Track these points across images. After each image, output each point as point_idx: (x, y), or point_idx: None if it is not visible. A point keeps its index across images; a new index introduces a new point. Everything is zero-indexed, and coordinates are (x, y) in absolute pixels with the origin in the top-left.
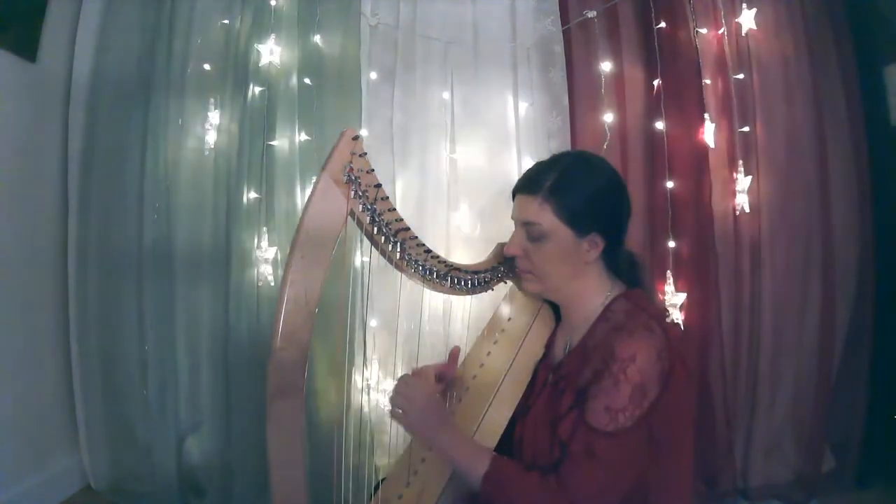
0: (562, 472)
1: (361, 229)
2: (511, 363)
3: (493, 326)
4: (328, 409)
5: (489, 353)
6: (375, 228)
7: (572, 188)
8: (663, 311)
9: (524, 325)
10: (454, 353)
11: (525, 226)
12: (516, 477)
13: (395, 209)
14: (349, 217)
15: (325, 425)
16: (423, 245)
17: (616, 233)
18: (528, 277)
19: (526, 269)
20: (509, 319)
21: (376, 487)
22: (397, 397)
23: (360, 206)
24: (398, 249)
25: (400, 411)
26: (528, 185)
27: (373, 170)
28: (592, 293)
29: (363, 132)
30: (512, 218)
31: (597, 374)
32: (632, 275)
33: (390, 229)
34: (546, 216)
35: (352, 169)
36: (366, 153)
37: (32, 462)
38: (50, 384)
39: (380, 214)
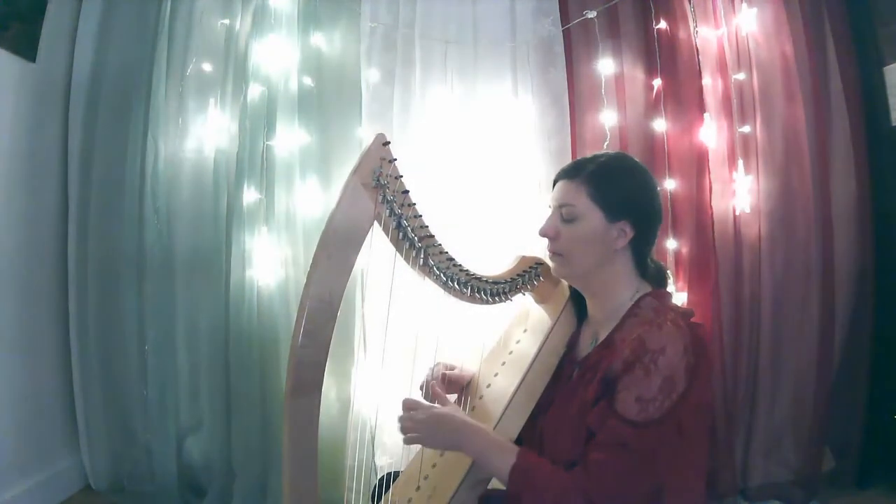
0: (589, 461)
1: (387, 234)
2: (525, 374)
3: (510, 337)
4: (329, 409)
5: (504, 364)
6: (401, 234)
7: (609, 176)
8: (690, 311)
9: (541, 336)
10: (454, 378)
11: (560, 208)
12: (544, 468)
13: (420, 216)
14: (375, 221)
15: (325, 425)
16: (446, 253)
17: (645, 226)
18: (557, 260)
19: (556, 251)
20: (525, 331)
21: (382, 485)
22: (406, 421)
23: (387, 212)
24: (422, 256)
25: (415, 434)
26: (569, 171)
27: (401, 176)
28: (621, 287)
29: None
30: (549, 205)
31: (626, 365)
32: (658, 276)
33: (416, 235)
34: (581, 198)
35: (381, 174)
36: (395, 159)
37: (32, 462)
38: (50, 384)
39: (406, 220)
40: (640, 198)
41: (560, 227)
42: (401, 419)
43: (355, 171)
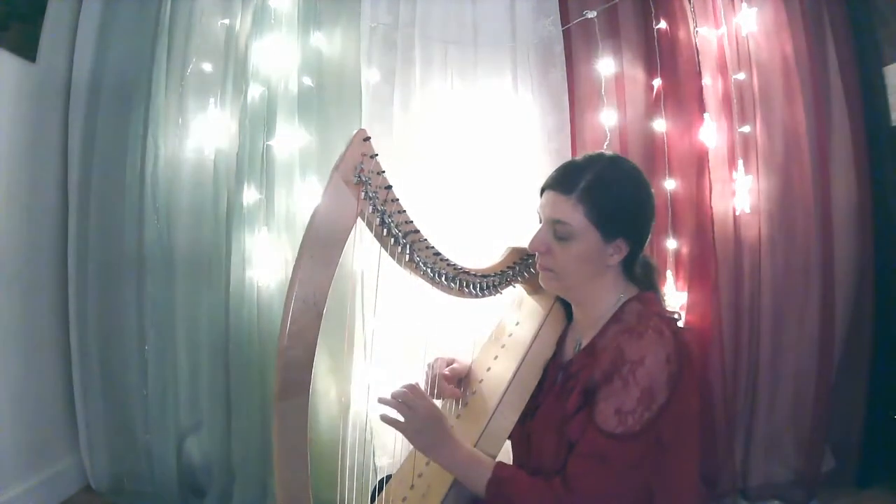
0: (569, 472)
1: (371, 230)
2: (518, 368)
3: (501, 330)
4: (328, 409)
5: (496, 358)
6: (385, 230)
7: (607, 192)
8: (675, 315)
9: (533, 329)
10: (453, 374)
11: (554, 224)
12: (520, 481)
13: (405, 211)
14: (359, 218)
15: (325, 425)
16: (433, 248)
17: (640, 241)
18: (547, 275)
19: (547, 267)
20: (517, 324)
21: (380, 487)
22: (401, 406)
23: (371, 208)
24: (407, 251)
25: (402, 420)
26: (561, 182)
27: (384, 171)
28: (607, 294)
29: None
30: (538, 212)
31: (606, 375)
32: (646, 278)
33: (400, 231)
34: (578, 217)
35: (363, 170)
36: (377, 154)
37: (32, 462)
38: (50, 384)
39: (390, 216)
40: (637, 212)
41: (552, 244)
42: (396, 396)
43: (336, 168)
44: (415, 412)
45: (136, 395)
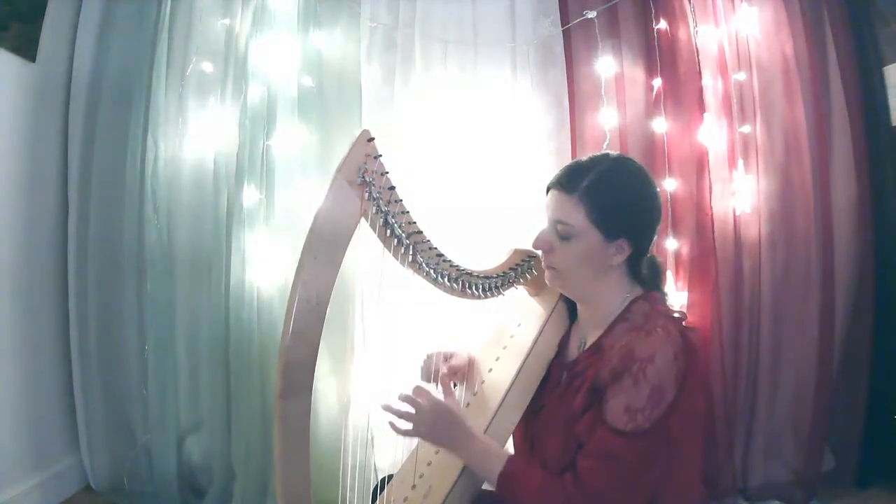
0: (579, 469)
1: (374, 231)
2: (520, 368)
3: (503, 331)
4: (329, 409)
5: (498, 359)
6: (389, 231)
7: (608, 192)
8: (681, 314)
9: (535, 330)
10: (453, 368)
11: (556, 223)
12: (531, 476)
13: (408, 212)
14: (362, 218)
15: (326, 425)
16: (436, 249)
17: (643, 241)
18: (551, 273)
19: (550, 265)
20: (519, 325)
21: (381, 487)
22: (403, 412)
23: (374, 208)
24: (410, 252)
25: (412, 426)
26: (564, 182)
27: (387, 172)
28: (612, 294)
29: None
30: (545, 210)
31: (615, 373)
32: (652, 278)
33: (404, 232)
34: (579, 217)
35: (366, 171)
36: (381, 155)
37: (32, 462)
38: (50, 384)
39: (394, 217)
40: (640, 213)
41: (555, 243)
42: (403, 400)
43: (340, 168)
44: (420, 412)
45: (136, 395)
